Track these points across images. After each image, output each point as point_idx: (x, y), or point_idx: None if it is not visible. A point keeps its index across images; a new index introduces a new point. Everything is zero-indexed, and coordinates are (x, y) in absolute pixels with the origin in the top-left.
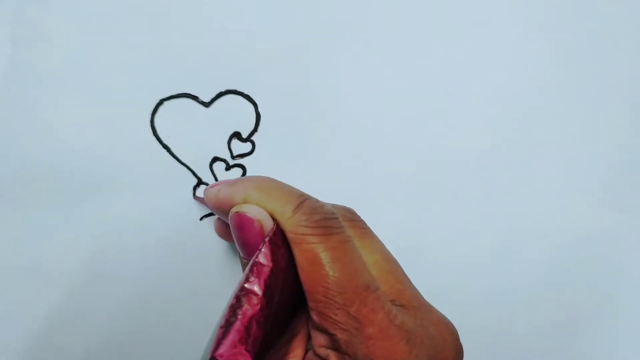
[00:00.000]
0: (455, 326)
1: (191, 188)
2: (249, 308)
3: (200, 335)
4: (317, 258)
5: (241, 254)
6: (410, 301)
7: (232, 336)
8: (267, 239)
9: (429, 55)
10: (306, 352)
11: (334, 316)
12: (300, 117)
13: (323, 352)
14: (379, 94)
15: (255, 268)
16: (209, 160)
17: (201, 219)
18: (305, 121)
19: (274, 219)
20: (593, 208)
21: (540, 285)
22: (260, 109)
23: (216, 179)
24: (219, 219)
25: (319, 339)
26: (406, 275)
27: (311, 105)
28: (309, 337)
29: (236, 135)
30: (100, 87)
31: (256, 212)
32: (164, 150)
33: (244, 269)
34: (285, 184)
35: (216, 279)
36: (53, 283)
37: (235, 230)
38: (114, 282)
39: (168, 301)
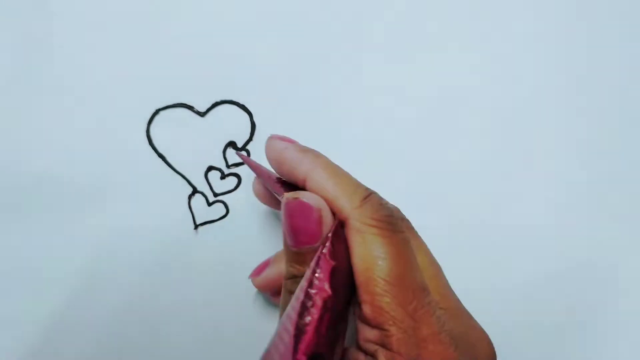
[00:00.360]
0: None
1: (186, 197)
2: (319, 301)
3: (197, 342)
4: (382, 250)
5: (289, 241)
6: (452, 306)
7: (308, 338)
8: (330, 234)
9: (424, 65)
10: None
11: (390, 311)
12: (295, 127)
13: (371, 347)
14: (374, 103)
15: (321, 262)
16: (204, 169)
17: (196, 227)
18: (300, 130)
19: (333, 209)
20: (587, 216)
21: (535, 293)
22: (255, 119)
23: (211, 188)
24: (258, 179)
25: (367, 333)
26: (448, 282)
27: (306, 114)
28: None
29: (231, 144)
30: (97, 97)
31: (317, 201)
32: (160, 160)
33: (287, 257)
34: (349, 173)
35: (211, 287)
36: (51, 289)
37: (289, 216)
38: (110, 289)
39: (165, 308)
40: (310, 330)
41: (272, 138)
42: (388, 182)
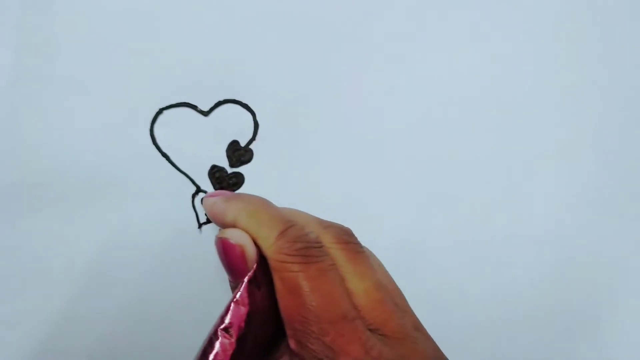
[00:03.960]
0: (455, 334)
1: (190, 196)
2: (220, 352)
3: (201, 340)
4: (295, 286)
5: (228, 276)
6: (394, 332)
7: None
8: (246, 280)
9: (428, 65)
10: None
11: (310, 345)
12: (298, 126)
13: None
14: (378, 103)
15: (231, 311)
16: (208, 168)
17: (200, 227)
18: (303, 130)
19: (257, 245)
20: (592, 216)
21: (540, 293)
22: (258, 118)
23: (214, 188)
24: None
25: None
26: (400, 304)
27: (309, 114)
28: None
29: (234, 143)
30: (101, 96)
31: (238, 238)
32: (164, 159)
33: (232, 291)
34: (277, 208)
35: (216, 285)
36: (55, 288)
37: (219, 254)
38: (115, 287)
39: (169, 306)
40: None
41: (204, 197)
42: (390, 183)
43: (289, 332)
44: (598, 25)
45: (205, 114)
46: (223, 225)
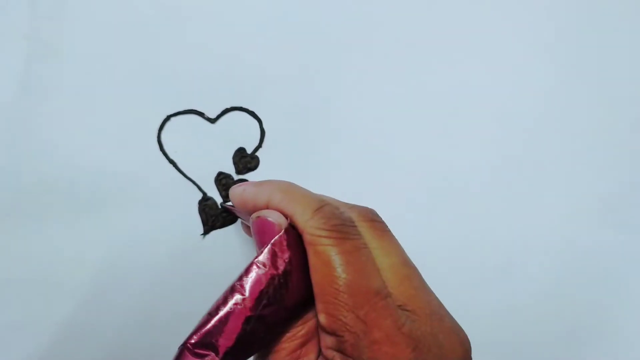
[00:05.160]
0: None
1: (196, 202)
2: (234, 306)
3: None
4: (330, 260)
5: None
6: (422, 308)
7: (210, 327)
8: (271, 243)
9: (433, 75)
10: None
11: (343, 318)
12: (305, 134)
13: (330, 354)
14: (383, 110)
15: (251, 268)
16: (214, 175)
17: (203, 235)
18: (309, 138)
19: (292, 223)
20: (593, 225)
21: (542, 300)
22: (265, 126)
23: (221, 194)
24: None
25: (327, 340)
26: (423, 281)
27: (315, 122)
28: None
29: (241, 150)
30: (109, 103)
31: (277, 217)
32: (171, 165)
33: None
34: (307, 190)
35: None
36: (61, 295)
37: (256, 233)
38: (121, 294)
39: (174, 313)
40: (214, 320)
41: (231, 189)
42: (394, 192)
43: (320, 306)
44: (601, 37)
45: (213, 121)
46: (254, 209)
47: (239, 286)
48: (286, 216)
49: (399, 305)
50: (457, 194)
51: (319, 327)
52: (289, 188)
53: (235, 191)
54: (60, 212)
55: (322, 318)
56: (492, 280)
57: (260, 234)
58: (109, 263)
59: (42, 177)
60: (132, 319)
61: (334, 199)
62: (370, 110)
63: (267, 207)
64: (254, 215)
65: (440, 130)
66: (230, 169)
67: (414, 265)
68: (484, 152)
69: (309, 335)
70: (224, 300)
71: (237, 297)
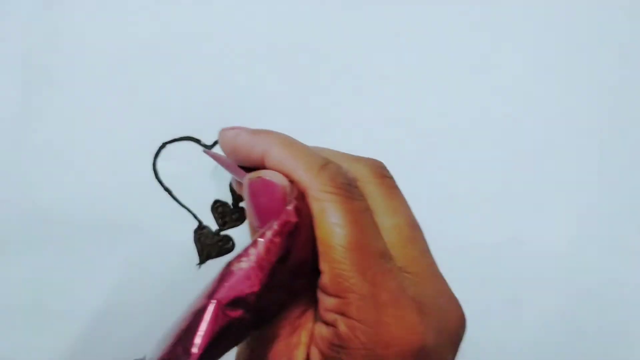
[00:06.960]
0: None
1: (192, 231)
2: (263, 254)
3: None
4: (338, 217)
5: (255, 222)
6: (423, 270)
7: (236, 278)
8: (294, 199)
9: (430, 96)
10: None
11: (349, 278)
12: None
13: (330, 316)
14: (380, 134)
15: (280, 222)
16: (211, 203)
17: (199, 265)
18: None
19: (293, 181)
20: (602, 255)
21: (550, 332)
22: None
23: (217, 222)
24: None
25: (327, 303)
26: (426, 244)
27: (313, 145)
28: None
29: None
30: (104, 131)
31: (280, 178)
32: (166, 193)
33: (252, 237)
34: (307, 145)
35: None
36: (58, 324)
37: (253, 196)
38: (116, 324)
39: None
40: (241, 273)
41: (222, 130)
42: None
43: (324, 266)
44: (607, 54)
45: (209, 147)
46: (245, 159)
47: (269, 237)
48: (285, 173)
49: (400, 268)
50: (461, 225)
51: (319, 290)
52: (290, 141)
53: (226, 135)
54: (53, 242)
55: (326, 278)
56: (499, 314)
57: (258, 196)
58: (103, 293)
59: (36, 206)
60: (126, 349)
61: (335, 152)
62: (374, 134)
63: (263, 160)
64: (254, 174)
65: (441, 153)
66: (226, 196)
67: (419, 226)
68: (487, 181)
69: (307, 305)
70: (254, 249)
71: (268, 245)
